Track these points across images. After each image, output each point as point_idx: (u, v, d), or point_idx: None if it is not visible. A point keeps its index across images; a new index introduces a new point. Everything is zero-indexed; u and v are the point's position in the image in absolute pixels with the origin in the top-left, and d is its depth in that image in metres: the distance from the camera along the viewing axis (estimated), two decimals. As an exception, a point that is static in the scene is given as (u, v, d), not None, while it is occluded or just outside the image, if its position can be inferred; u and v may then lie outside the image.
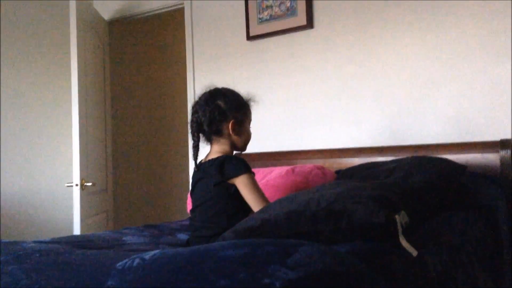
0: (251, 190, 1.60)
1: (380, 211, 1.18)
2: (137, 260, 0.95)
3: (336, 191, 1.34)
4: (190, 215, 1.78)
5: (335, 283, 0.84)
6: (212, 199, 1.64)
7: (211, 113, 1.66)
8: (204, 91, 1.74)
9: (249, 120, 1.77)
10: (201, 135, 1.72)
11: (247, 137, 1.76)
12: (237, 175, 1.61)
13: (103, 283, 0.91)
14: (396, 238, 1.19)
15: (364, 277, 0.92)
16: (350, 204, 1.23)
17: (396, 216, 1.21)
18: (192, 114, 1.71)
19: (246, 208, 1.63)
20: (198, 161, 1.75)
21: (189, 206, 2.45)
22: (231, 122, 1.68)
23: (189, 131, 1.72)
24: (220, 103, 1.67)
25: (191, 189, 1.76)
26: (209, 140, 1.72)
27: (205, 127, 1.67)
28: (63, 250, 1.19)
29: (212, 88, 1.74)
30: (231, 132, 1.68)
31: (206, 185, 1.66)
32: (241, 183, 1.61)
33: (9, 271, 1.05)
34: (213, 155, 1.70)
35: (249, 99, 1.77)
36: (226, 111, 1.67)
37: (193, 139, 1.71)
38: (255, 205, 1.58)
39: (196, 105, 1.71)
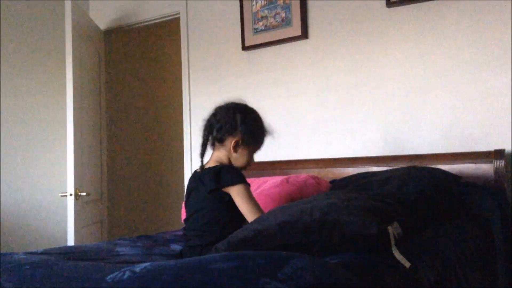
0: (245, 200, 1.60)
1: (373, 222, 1.18)
2: (127, 273, 0.94)
3: (329, 202, 1.34)
4: (184, 224, 1.77)
5: (326, 296, 0.84)
6: (206, 207, 1.64)
7: (225, 121, 1.68)
8: (233, 101, 1.75)
9: (255, 149, 1.75)
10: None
11: (245, 162, 1.74)
12: (232, 184, 1.61)
13: (92, 296, 0.90)
14: (389, 249, 1.18)
15: (356, 289, 0.91)
16: (343, 215, 1.22)
17: (389, 227, 1.21)
18: (210, 115, 1.73)
19: (240, 218, 1.63)
20: (195, 170, 1.76)
21: (183, 216, 2.44)
22: (235, 138, 1.68)
23: (203, 128, 1.74)
24: (238, 117, 1.68)
25: (186, 198, 1.76)
26: (213, 145, 1.74)
27: (214, 131, 1.69)
28: (54, 262, 1.18)
29: (242, 102, 1.75)
30: (231, 147, 1.69)
31: (201, 194, 1.66)
32: (236, 192, 1.61)
33: (-1, 284, 1.05)
34: (211, 164, 1.71)
35: (268, 132, 1.76)
36: (238, 127, 1.67)
37: (203, 137, 1.73)
38: (249, 215, 1.58)
39: (219, 109, 1.73)
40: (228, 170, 1.65)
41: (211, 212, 1.63)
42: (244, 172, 1.70)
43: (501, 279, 1.90)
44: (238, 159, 1.72)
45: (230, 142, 1.68)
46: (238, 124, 1.67)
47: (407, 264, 1.16)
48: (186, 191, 1.78)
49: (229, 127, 1.67)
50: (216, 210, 1.63)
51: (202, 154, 1.74)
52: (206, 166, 1.71)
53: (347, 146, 2.73)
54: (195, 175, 1.73)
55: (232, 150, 1.69)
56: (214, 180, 1.61)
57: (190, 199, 1.73)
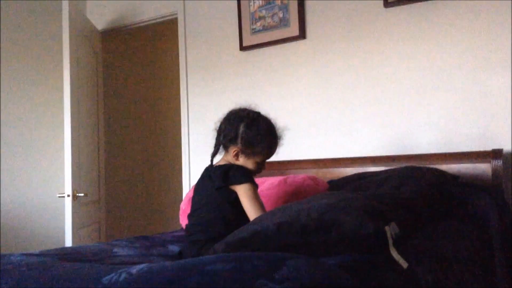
0: (251, 200, 1.61)
1: (370, 222, 1.18)
2: (123, 275, 0.94)
3: (326, 202, 1.33)
4: (188, 219, 1.78)
5: (323, 297, 0.83)
6: (212, 203, 1.66)
7: (228, 130, 1.69)
8: (248, 107, 1.75)
9: (257, 159, 1.72)
10: None
11: (251, 169, 1.73)
12: (240, 182, 1.63)
13: (88, 298, 0.90)
14: (387, 249, 1.18)
15: (353, 290, 0.91)
16: (340, 216, 1.22)
17: (386, 227, 1.20)
18: (222, 119, 1.75)
19: (245, 217, 1.63)
20: (206, 166, 1.78)
21: (181, 217, 2.44)
22: (235, 149, 1.69)
23: (216, 129, 1.78)
24: (241, 128, 1.68)
25: (193, 193, 1.77)
26: (223, 148, 1.76)
27: (221, 137, 1.72)
28: (50, 264, 1.18)
29: (255, 110, 1.75)
30: (232, 155, 1.70)
31: (208, 190, 1.69)
32: (242, 191, 1.62)
33: (-6, 285, 1.04)
34: (221, 163, 1.73)
35: (277, 144, 1.74)
36: (238, 137, 1.68)
37: (216, 138, 1.76)
38: (253, 215, 1.59)
39: (230, 114, 1.74)
40: (237, 169, 1.67)
41: (216, 208, 1.65)
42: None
43: (499, 279, 1.90)
44: (244, 166, 1.72)
45: (232, 150, 1.69)
46: (240, 135, 1.68)
47: (404, 264, 1.16)
48: (195, 186, 1.79)
49: (231, 137, 1.69)
50: (222, 207, 1.64)
51: (214, 155, 1.76)
52: (217, 164, 1.73)
53: (345, 146, 2.73)
54: (206, 171, 1.76)
55: (234, 158, 1.70)
56: (222, 177, 1.63)
57: (196, 193, 1.74)
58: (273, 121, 1.77)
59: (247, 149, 1.69)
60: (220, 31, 3.21)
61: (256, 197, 1.62)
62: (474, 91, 2.39)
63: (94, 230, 3.45)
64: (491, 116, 2.34)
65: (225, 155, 1.76)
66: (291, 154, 2.88)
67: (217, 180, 1.65)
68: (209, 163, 1.77)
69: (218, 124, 1.76)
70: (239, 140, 1.68)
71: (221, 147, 1.76)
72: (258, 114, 1.74)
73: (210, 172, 1.72)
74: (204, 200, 1.69)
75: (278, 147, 1.76)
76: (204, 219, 1.66)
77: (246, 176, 1.65)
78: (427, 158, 2.36)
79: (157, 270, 0.92)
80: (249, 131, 1.68)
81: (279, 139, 1.76)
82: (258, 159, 1.72)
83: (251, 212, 1.59)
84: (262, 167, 1.76)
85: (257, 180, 2.38)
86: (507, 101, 2.30)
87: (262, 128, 1.70)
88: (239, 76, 3.13)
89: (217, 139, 1.75)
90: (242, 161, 1.71)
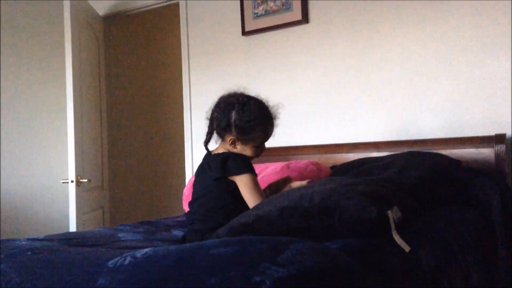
0: (250, 190, 1.60)
1: (372, 206, 1.18)
2: (128, 258, 0.95)
3: (329, 187, 1.34)
4: (188, 207, 1.78)
5: (326, 280, 0.84)
6: (211, 193, 1.65)
7: (220, 119, 1.66)
8: (238, 91, 1.70)
9: (255, 143, 1.69)
10: None
11: (250, 155, 1.71)
12: (238, 173, 1.61)
13: (94, 281, 0.90)
14: (389, 233, 1.19)
15: (355, 274, 0.92)
16: (343, 200, 1.23)
17: (389, 212, 1.21)
18: (213, 106, 1.71)
19: (245, 206, 1.63)
20: (206, 153, 1.76)
21: (184, 202, 2.45)
22: (231, 137, 1.66)
23: (208, 117, 1.74)
24: (233, 116, 1.64)
25: (194, 179, 1.77)
26: (218, 136, 1.74)
27: (214, 125, 1.69)
28: (55, 248, 1.19)
29: (245, 94, 1.69)
30: (229, 144, 1.68)
31: (207, 179, 1.67)
32: (241, 181, 1.61)
33: (1, 269, 1.05)
34: (220, 150, 1.71)
35: (273, 125, 1.71)
36: (232, 126, 1.64)
37: (208, 126, 1.72)
38: (253, 205, 1.58)
39: (220, 102, 1.70)
40: (235, 158, 1.64)
41: (216, 198, 1.64)
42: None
43: (501, 263, 1.91)
44: (242, 152, 1.70)
45: (228, 139, 1.68)
46: (233, 123, 1.64)
47: (407, 248, 1.16)
48: (196, 172, 1.79)
49: (224, 126, 1.65)
50: (221, 197, 1.63)
51: (206, 142, 1.73)
52: (215, 152, 1.71)
53: (348, 132, 2.72)
54: (206, 158, 1.74)
55: (230, 147, 1.69)
56: (220, 168, 1.62)
57: (197, 182, 1.74)
58: (265, 101, 1.72)
59: (243, 136, 1.65)
60: (222, 15, 3.19)
61: (255, 186, 1.61)
62: (478, 75, 2.37)
63: (98, 215, 3.47)
64: (494, 101, 2.33)
65: (222, 142, 1.73)
66: (293, 140, 2.88)
67: (215, 170, 1.63)
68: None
69: (210, 112, 1.72)
70: (233, 128, 1.64)
71: (216, 135, 1.73)
72: (248, 98, 1.69)
73: (208, 161, 1.70)
74: (204, 189, 1.67)
75: (274, 127, 1.72)
76: (204, 209, 1.65)
77: (245, 165, 1.62)
78: (430, 143, 2.36)
79: (162, 253, 0.93)
80: (242, 117, 1.64)
81: (274, 119, 1.71)
82: (255, 144, 1.69)
83: (252, 202, 1.58)
84: (261, 151, 1.74)
85: (260, 165, 2.40)
86: (510, 86, 2.29)
87: (254, 112, 1.66)
88: (241, 61, 3.11)
89: (210, 127, 1.72)
90: (240, 148, 1.68)
